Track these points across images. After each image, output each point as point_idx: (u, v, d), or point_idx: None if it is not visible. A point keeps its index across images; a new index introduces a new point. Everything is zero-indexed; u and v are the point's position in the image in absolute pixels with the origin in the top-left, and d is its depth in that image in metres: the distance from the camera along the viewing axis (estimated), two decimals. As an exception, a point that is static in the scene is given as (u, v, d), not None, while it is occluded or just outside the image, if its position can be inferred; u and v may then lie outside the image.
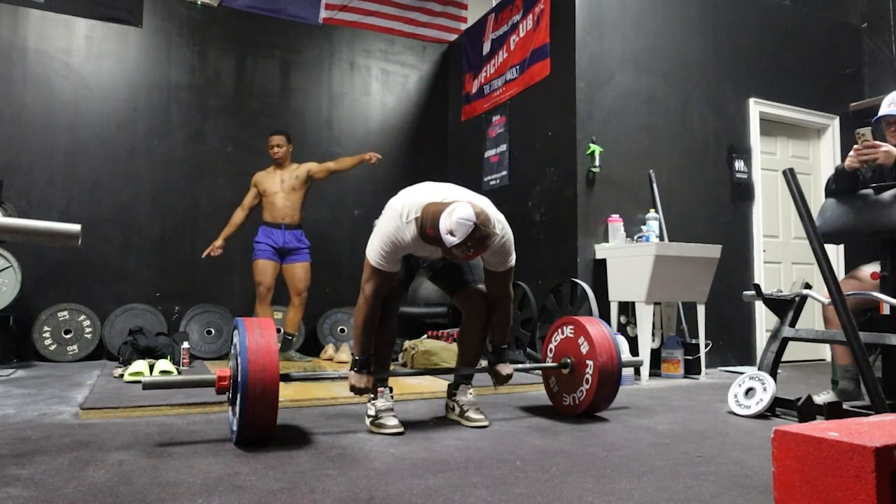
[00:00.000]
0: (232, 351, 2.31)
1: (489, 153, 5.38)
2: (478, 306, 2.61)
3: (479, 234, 2.11)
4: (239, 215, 4.55)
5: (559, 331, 2.89)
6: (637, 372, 3.91)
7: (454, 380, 2.73)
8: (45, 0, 4.89)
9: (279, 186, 4.52)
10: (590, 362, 2.66)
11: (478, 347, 2.70)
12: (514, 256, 2.50)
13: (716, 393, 3.45)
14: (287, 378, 2.37)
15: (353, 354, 2.49)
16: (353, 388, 2.42)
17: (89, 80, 5.00)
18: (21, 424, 2.47)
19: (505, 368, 2.60)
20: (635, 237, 4.26)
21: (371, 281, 2.35)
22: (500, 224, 2.39)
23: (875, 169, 2.77)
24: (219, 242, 4.49)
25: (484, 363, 2.74)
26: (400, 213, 2.27)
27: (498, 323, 2.59)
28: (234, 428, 2.16)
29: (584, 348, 2.70)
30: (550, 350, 2.90)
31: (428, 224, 2.18)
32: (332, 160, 4.77)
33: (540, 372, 3.93)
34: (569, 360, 2.76)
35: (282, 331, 4.67)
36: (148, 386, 2.20)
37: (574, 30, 4.40)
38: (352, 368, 2.44)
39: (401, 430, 2.38)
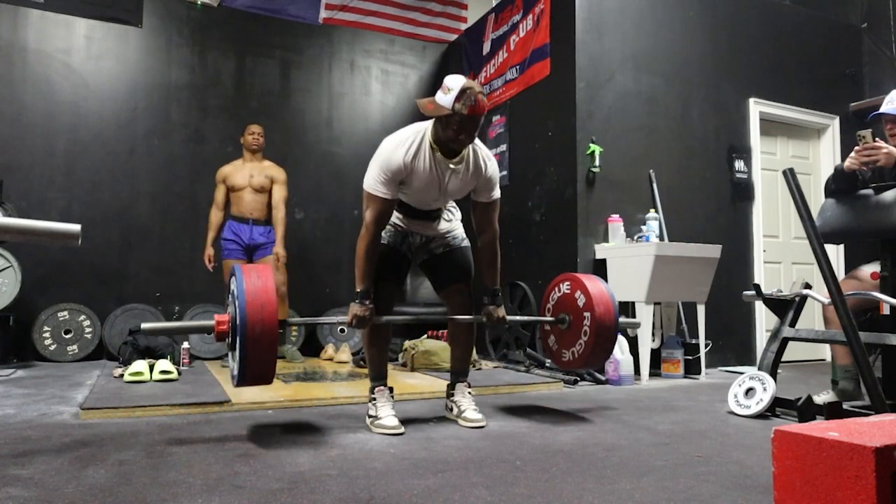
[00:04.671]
0: (230, 298, 2.32)
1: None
2: (463, 303, 2.64)
3: (473, 84, 2.26)
4: (217, 216, 4.49)
5: (556, 288, 2.90)
6: (637, 372, 3.91)
7: (451, 379, 2.73)
8: (45, 0, 4.89)
9: (248, 181, 4.46)
10: (587, 314, 2.68)
11: (469, 343, 2.72)
12: (499, 190, 2.58)
13: (716, 393, 3.45)
14: (284, 323, 2.40)
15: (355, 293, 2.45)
16: (354, 318, 2.37)
17: (89, 80, 5.00)
18: (21, 424, 2.47)
19: (498, 311, 2.60)
20: (635, 237, 4.26)
21: (370, 209, 2.40)
22: (487, 150, 2.53)
23: (875, 169, 2.77)
24: (211, 251, 4.46)
25: (481, 360, 2.75)
26: (391, 141, 2.41)
27: (489, 262, 2.61)
28: (235, 372, 2.19)
29: (581, 301, 2.72)
30: (548, 309, 2.92)
31: (426, 103, 2.31)
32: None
33: (541, 372, 3.94)
34: (566, 317, 2.79)
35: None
36: (149, 332, 2.23)
37: (574, 30, 4.40)
38: (353, 300, 2.41)
39: (401, 430, 2.38)
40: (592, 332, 2.65)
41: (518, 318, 2.82)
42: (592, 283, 2.76)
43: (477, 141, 2.48)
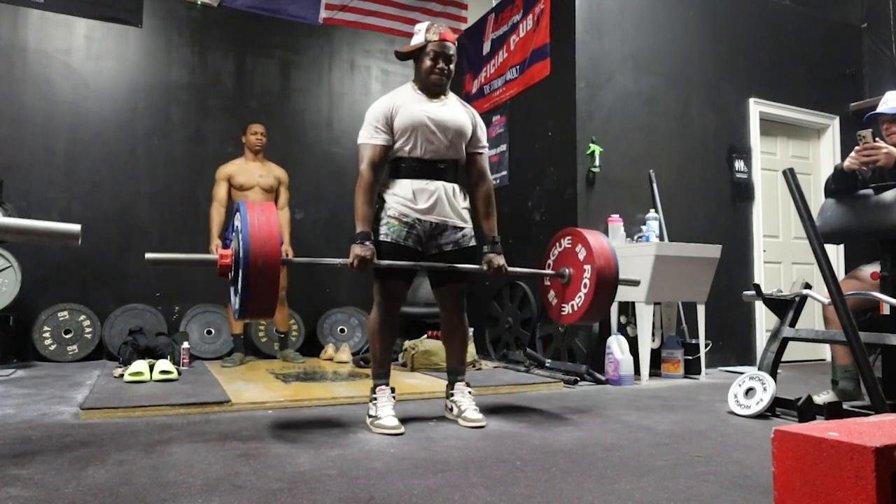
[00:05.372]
0: (233, 233, 2.34)
1: (489, 153, 5.37)
2: (457, 303, 2.64)
3: (438, 21, 2.62)
4: (220, 212, 4.42)
5: (557, 244, 2.89)
6: (637, 372, 3.91)
7: (448, 379, 2.73)
8: (45, 0, 4.89)
9: (256, 181, 4.46)
10: (587, 267, 2.68)
11: (463, 341, 2.71)
12: (486, 142, 2.75)
13: (716, 393, 3.45)
14: (287, 262, 2.45)
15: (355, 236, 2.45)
16: (356, 258, 2.34)
17: (89, 80, 5.00)
18: (21, 424, 2.47)
19: (498, 259, 2.60)
20: (635, 237, 4.26)
21: (364, 157, 2.49)
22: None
23: (874, 169, 2.77)
24: (219, 242, 4.40)
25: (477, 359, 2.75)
26: (376, 101, 2.60)
27: (487, 213, 2.67)
28: (237, 307, 2.23)
29: (582, 254, 2.72)
30: (549, 265, 2.91)
31: (403, 47, 2.62)
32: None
33: (541, 372, 3.94)
34: (567, 270, 2.79)
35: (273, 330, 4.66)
36: (152, 262, 2.26)
37: (574, 30, 4.40)
38: (354, 241, 2.40)
39: (401, 430, 2.38)
40: (592, 284, 2.64)
41: (518, 269, 2.78)
42: (594, 237, 2.75)
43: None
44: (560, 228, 4.43)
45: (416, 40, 2.54)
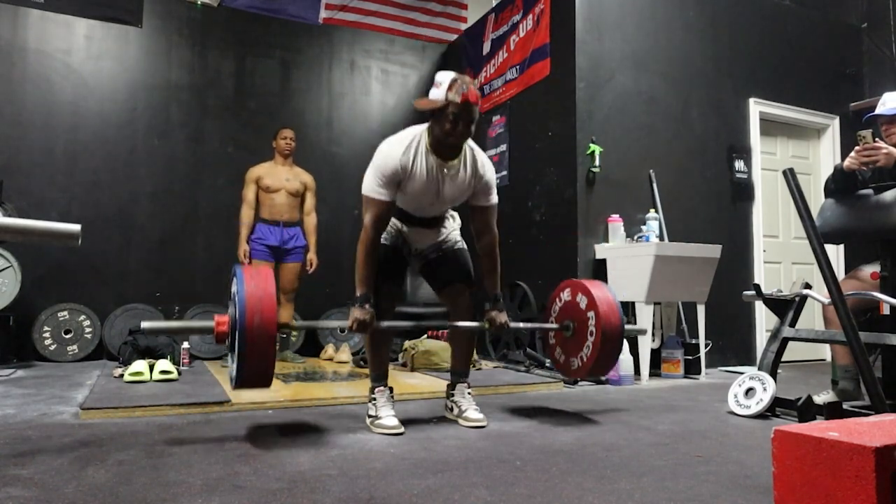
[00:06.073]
0: (231, 298, 2.31)
1: (489, 153, 5.38)
2: (463, 303, 2.63)
3: (463, 77, 2.28)
4: (249, 214, 4.44)
5: (557, 298, 2.87)
6: (637, 372, 3.91)
7: (451, 379, 2.73)
8: (45, 0, 4.89)
9: (283, 184, 4.50)
10: (591, 314, 2.63)
11: (469, 344, 2.71)
12: (496, 196, 2.56)
13: (716, 393, 3.45)
14: (287, 327, 2.41)
15: (355, 295, 2.44)
16: (355, 322, 2.35)
17: (89, 80, 5.00)
18: (21, 424, 2.47)
19: (500, 316, 2.57)
20: (635, 237, 4.26)
21: (369, 212, 2.39)
22: (484, 156, 2.53)
23: (874, 169, 2.77)
24: (247, 248, 4.38)
25: (478, 359, 2.74)
26: (388, 143, 2.42)
27: (489, 268, 2.59)
28: (233, 374, 2.19)
29: (584, 303, 2.68)
30: (552, 321, 2.88)
31: (421, 100, 2.38)
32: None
33: (541, 371, 3.94)
34: (570, 323, 2.74)
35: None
36: (149, 331, 2.23)
37: (574, 30, 4.40)
38: (354, 304, 2.40)
39: (401, 430, 2.38)
40: (598, 332, 2.58)
41: (521, 324, 2.77)
42: (594, 285, 2.72)
43: (474, 145, 2.49)
44: (560, 228, 4.48)
45: (436, 95, 2.29)
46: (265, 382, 2.21)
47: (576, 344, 2.73)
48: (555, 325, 2.80)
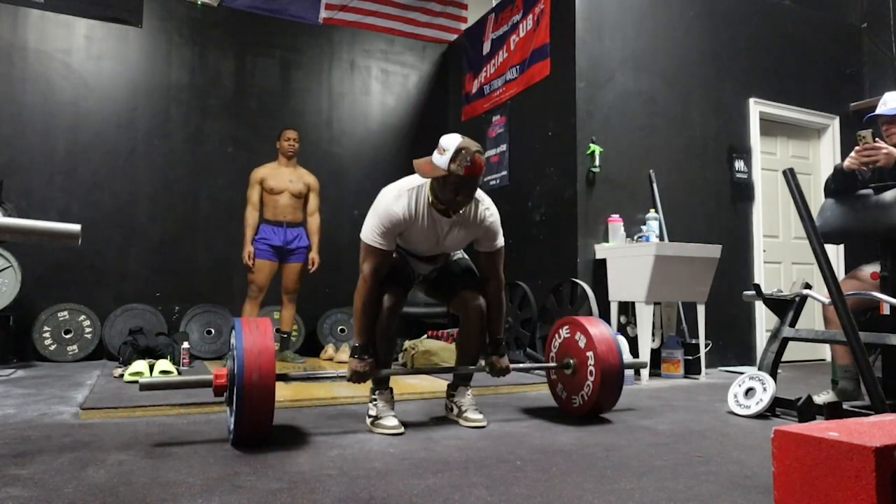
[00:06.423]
0: (230, 351, 2.30)
1: (489, 153, 5.38)
2: (476, 306, 2.57)
3: (469, 143, 2.20)
4: (254, 215, 4.44)
5: (557, 335, 2.87)
6: (637, 372, 3.91)
7: (453, 381, 2.73)
8: (45, 0, 4.89)
9: (286, 185, 4.50)
10: (590, 353, 2.64)
11: (477, 348, 2.69)
12: (502, 239, 2.52)
13: (716, 393, 3.45)
14: (284, 378, 2.38)
15: (352, 342, 2.47)
16: (353, 374, 2.38)
17: (89, 80, 5.00)
18: (21, 424, 2.47)
19: (502, 361, 2.58)
20: (635, 237, 4.26)
21: (368, 261, 2.38)
22: (488, 202, 2.47)
23: (874, 169, 2.77)
24: (251, 249, 4.37)
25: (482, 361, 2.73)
26: (390, 192, 2.37)
27: (494, 314, 2.58)
28: (232, 428, 2.17)
29: (582, 342, 2.69)
30: (552, 357, 2.88)
31: (423, 164, 2.26)
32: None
33: (541, 371, 3.94)
34: (571, 360, 2.75)
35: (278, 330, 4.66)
36: (145, 387, 2.20)
37: (574, 30, 4.40)
38: (352, 355, 2.41)
39: (401, 430, 2.38)
40: (598, 373, 2.59)
41: (523, 365, 2.79)
42: (591, 323, 2.73)
43: (478, 191, 2.41)
44: (560, 228, 4.48)
45: (440, 162, 2.20)
46: (264, 435, 2.18)
47: (577, 382, 2.72)
48: (555, 364, 2.79)
